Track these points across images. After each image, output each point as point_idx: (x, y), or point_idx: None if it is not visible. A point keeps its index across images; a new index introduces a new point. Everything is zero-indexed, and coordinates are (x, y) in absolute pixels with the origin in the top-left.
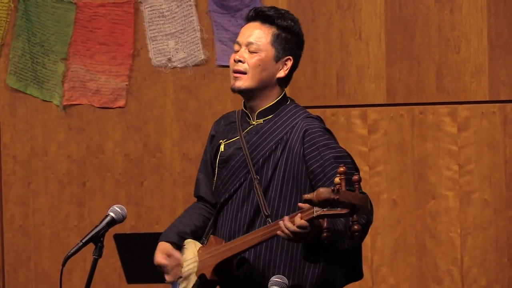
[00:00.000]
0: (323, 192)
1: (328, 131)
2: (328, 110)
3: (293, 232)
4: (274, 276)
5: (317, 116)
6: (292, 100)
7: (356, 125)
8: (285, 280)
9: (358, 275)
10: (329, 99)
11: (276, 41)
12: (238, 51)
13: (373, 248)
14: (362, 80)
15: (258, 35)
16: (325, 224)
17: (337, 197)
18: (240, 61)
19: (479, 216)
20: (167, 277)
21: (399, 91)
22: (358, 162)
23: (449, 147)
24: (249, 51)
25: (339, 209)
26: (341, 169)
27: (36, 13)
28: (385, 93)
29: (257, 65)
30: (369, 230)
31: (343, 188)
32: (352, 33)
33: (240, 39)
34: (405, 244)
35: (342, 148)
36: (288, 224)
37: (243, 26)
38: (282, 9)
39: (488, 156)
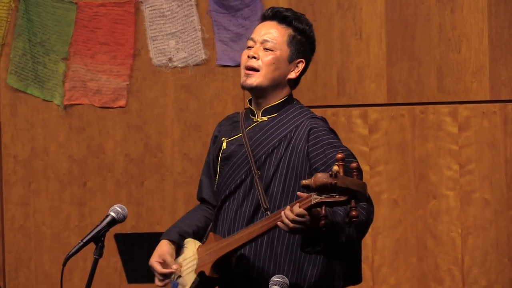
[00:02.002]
0: (321, 176)
1: (332, 131)
2: (329, 110)
3: (292, 221)
4: (274, 276)
5: (322, 117)
6: (298, 101)
7: (357, 125)
8: (286, 280)
9: (357, 278)
10: (330, 99)
11: (292, 42)
12: (251, 47)
13: (374, 248)
14: (363, 80)
15: (274, 34)
16: (323, 212)
17: (335, 181)
18: (254, 57)
19: (479, 216)
20: (157, 282)
21: (399, 91)
22: (359, 161)
23: (450, 146)
24: (264, 48)
25: (337, 196)
26: (339, 155)
27: (37, 13)
28: (385, 93)
29: (271, 63)
30: (370, 230)
31: (341, 174)
32: (352, 33)
33: (255, 36)
34: (405, 244)
35: (346, 147)
36: (287, 212)
37: (243, 25)
38: (299, 12)
39: (489, 156)
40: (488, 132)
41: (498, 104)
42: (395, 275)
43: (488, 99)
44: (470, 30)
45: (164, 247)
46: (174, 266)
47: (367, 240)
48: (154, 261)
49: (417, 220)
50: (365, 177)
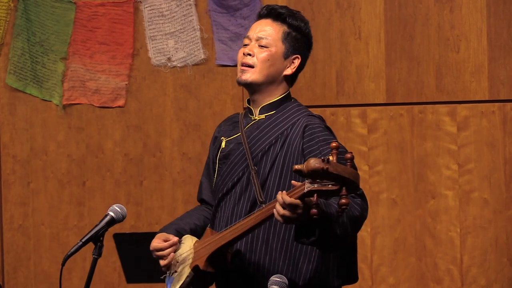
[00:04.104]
0: (313, 162)
1: (328, 129)
2: (328, 110)
3: (284, 208)
4: (273, 276)
5: (319, 115)
6: (296, 100)
7: (356, 125)
8: (285, 280)
9: (353, 277)
10: (329, 98)
11: (286, 38)
12: (247, 45)
13: (373, 247)
14: (362, 80)
15: (269, 31)
16: (314, 199)
17: (327, 167)
18: (249, 54)
19: (478, 215)
20: (161, 262)
21: (398, 90)
22: (358, 161)
23: (449, 146)
24: (259, 45)
25: (330, 185)
26: (334, 144)
27: (36, 13)
28: (384, 93)
29: (266, 60)
30: (369, 229)
31: (334, 161)
32: (351, 32)
33: (250, 33)
34: (404, 243)
35: (341, 145)
36: (279, 198)
37: (242, 25)
38: (294, 10)
39: (488, 156)
40: (487, 132)
41: (497, 104)
42: (394, 274)
43: (487, 98)
44: (469, 29)
45: (161, 234)
46: (175, 238)
47: (366, 240)
48: (155, 242)
49: (416, 220)
50: (364, 176)
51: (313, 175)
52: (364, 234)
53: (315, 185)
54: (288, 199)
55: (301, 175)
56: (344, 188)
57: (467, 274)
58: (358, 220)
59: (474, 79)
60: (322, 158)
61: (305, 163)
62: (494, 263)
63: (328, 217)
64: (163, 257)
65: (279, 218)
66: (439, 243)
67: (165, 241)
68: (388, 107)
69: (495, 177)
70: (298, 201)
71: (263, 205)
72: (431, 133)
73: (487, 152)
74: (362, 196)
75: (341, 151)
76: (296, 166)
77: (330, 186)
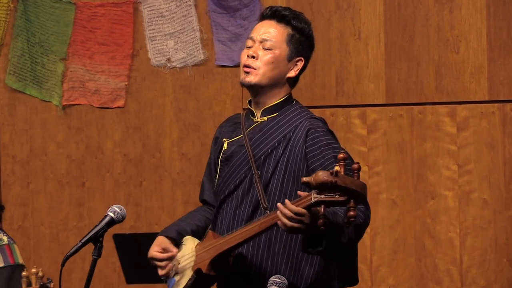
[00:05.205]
0: (322, 175)
1: (331, 132)
2: (328, 110)
3: (290, 219)
4: (273, 276)
5: (321, 117)
6: (297, 101)
7: (356, 125)
8: (285, 280)
9: (353, 280)
10: (329, 99)
11: (291, 41)
12: (251, 46)
13: (373, 248)
14: (361, 80)
15: (273, 33)
16: (322, 210)
17: (335, 180)
18: (253, 56)
19: (478, 216)
20: (160, 271)
21: (398, 91)
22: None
23: (448, 147)
24: (263, 47)
25: (337, 196)
26: (341, 155)
27: (35, 13)
28: (384, 93)
29: (270, 62)
30: (369, 230)
31: (342, 173)
32: (351, 33)
33: (254, 35)
34: (404, 244)
35: (344, 149)
36: (285, 210)
37: (242, 26)
38: (297, 11)
39: (487, 156)
40: (486, 132)
41: (496, 104)
42: (393, 275)
43: (486, 99)
44: (469, 30)
45: (161, 239)
46: (174, 250)
47: (365, 240)
48: (154, 251)
49: (416, 220)
50: (364, 177)
51: (322, 187)
52: (363, 235)
53: (322, 196)
54: (295, 208)
55: (309, 187)
56: (352, 200)
57: (467, 274)
58: (362, 227)
59: (474, 79)
60: (331, 171)
61: (314, 175)
62: (493, 264)
63: (335, 227)
64: (161, 267)
65: (283, 228)
66: (438, 244)
67: (164, 249)
68: (388, 108)
69: (495, 178)
70: (304, 210)
71: (268, 211)
72: (430, 133)
73: (487, 153)
74: (365, 202)
75: (347, 162)
76: (304, 179)
77: (337, 196)
